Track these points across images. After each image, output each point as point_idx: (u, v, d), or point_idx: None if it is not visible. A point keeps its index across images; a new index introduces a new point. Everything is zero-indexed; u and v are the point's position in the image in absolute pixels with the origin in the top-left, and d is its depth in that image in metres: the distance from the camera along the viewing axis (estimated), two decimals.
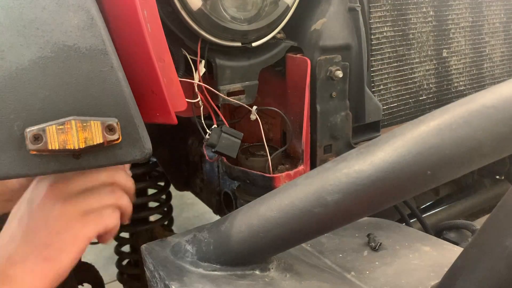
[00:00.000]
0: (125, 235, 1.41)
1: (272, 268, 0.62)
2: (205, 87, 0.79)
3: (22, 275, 0.56)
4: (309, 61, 0.82)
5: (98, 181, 0.63)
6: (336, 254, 0.69)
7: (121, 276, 1.44)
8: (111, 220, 0.64)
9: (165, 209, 1.42)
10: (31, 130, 0.52)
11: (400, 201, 0.54)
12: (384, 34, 0.93)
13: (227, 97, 0.81)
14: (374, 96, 0.93)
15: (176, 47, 0.79)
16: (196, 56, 0.79)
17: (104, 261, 1.89)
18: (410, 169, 0.44)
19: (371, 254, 0.69)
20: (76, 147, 0.54)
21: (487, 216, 0.51)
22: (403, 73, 0.99)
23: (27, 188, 0.64)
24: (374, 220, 0.80)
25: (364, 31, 0.87)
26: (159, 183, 1.40)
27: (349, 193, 0.48)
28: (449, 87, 1.08)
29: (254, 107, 0.85)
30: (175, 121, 0.67)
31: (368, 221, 0.80)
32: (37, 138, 0.53)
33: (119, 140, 0.56)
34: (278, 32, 0.85)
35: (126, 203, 0.67)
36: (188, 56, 0.80)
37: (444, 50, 1.04)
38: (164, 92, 0.63)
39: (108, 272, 1.54)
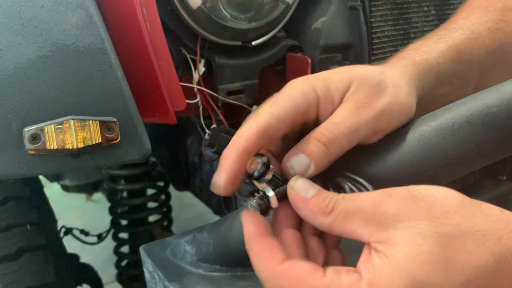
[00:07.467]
0: (124, 235, 1.40)
1: None
2: (205, 87, 0.79)
3: None
4: (309, 60, 0.82)
5: None
6: None
7: (120, 277, 1.43)
8: None
9: (165, 209, 1.42)
10: (29, 130, 0.52)
11: None
12: (385, 33, 0.93)
13: (226, 97, 0.81)
14: None
15: (176, 46, 0.79)
16: (196, 55, 0.79)
17: (103, 262, 1.88)
18: (412, 169, 0.44)
19: None
20: (75, 147, 0.53)
21: None
22: None
23: None
24: None
25: (365, 29, 0.87)
26: (158, 183, 1.39)
27: None
28: None
29: (254, 107, 0.84)
30: (174, 120, 0.67)
31: None
32: (35, 137, 0.52)
33: (118, 139, 0.56)
34: (279, 31, 0.85)
35: None
36: (188, 55, 0.80)
37: None
38: (163, 91, 0.63)
39: (107, 273, 1.53)
